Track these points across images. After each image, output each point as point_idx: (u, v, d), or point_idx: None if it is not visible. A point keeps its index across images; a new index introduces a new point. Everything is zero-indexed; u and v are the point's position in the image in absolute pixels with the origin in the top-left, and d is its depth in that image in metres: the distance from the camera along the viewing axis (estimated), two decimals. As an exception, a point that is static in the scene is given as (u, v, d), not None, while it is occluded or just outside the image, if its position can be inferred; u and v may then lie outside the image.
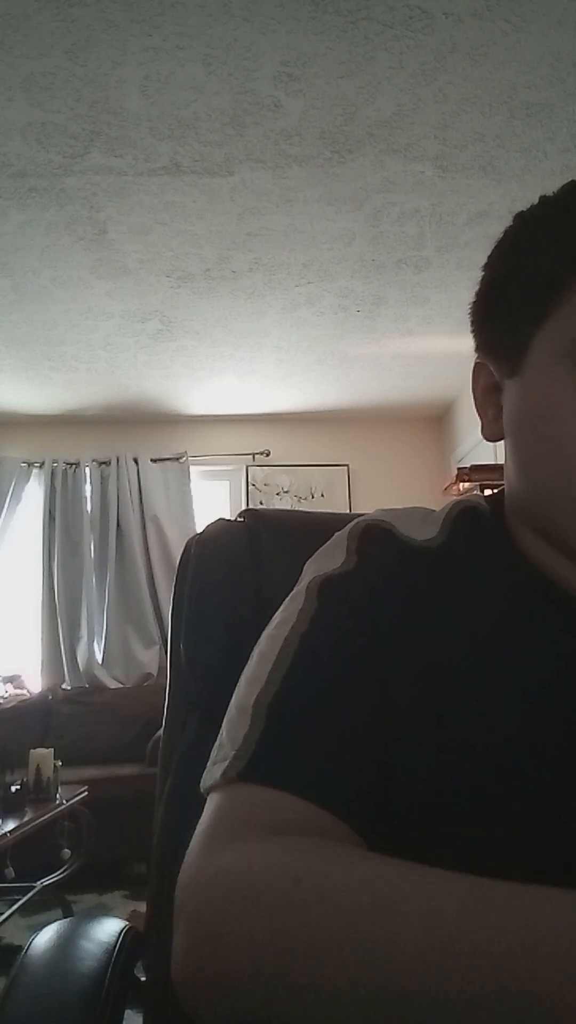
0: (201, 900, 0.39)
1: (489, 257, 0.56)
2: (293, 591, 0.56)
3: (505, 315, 0.54)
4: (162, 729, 0.76)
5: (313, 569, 0.56)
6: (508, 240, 0.54)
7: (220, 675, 0.64)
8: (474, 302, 0.57)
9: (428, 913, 0.34)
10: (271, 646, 0.51)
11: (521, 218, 0.54)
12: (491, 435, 0.58)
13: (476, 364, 0.59)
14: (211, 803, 0.46)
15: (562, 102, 1.99)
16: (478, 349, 0.58)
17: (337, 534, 0.59)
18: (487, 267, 0.56)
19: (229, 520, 0.79)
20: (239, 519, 0.79)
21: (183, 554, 0.77)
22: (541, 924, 0.32)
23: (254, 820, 0.43)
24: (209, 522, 0.80)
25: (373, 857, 0.39)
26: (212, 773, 0.47)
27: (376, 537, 0.57)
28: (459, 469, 4.05)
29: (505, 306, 0.54)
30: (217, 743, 0.49)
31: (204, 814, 0.45)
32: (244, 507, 3.69)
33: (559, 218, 0.51)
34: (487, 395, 0.58)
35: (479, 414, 0.59)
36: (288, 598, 0.55)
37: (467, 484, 3.95)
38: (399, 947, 0.33)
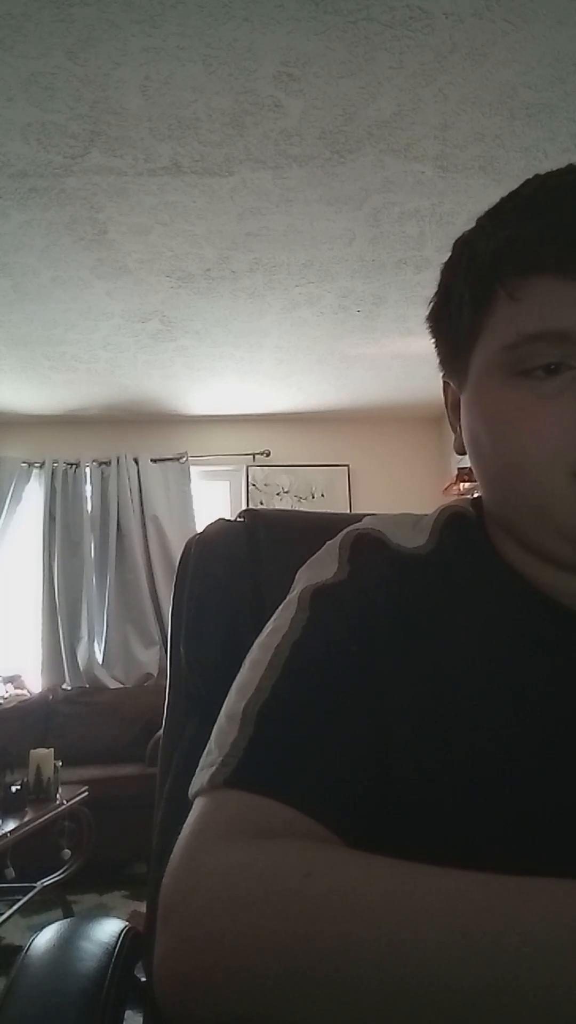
0: (196, 900, 0.38)
1: (438, 281, 0.58)
2: (285, 600, 0.56)
3: (448, 334, 0.56)
4: (162, 729, 0.76)
5: (305, 578, 0.57)
6: (446, 264, 0.56)
7: (220, 675, 0.64)
8: (428, 325, 0.59)
9: (447, 903, 0.34)
10: (263, 654, 0.51)
11: (456, 241, 0.56)
12: (459, 448, 0.59)
13: (443, 381, 0.61)
14: (197, 808, 0.45)
15: (562, 102, 1.99)
16: (440, 367, 0.60)
17: (328, 543, 0.59)
18: (436, 291, 0.58)
19: (229, 520, 0.79)
20: (239, 519, 0.79)
21: (183, 554, 0.77)
22: (561, 910, 0.32)
23: (241, 825, 0.43)
24: (209, 522, 0.80)
25: (373, 855, 0.39)
26: (199, 778, 0.47)
27: (368, 546, 0.57)
28: (459, 469, 4.06)
29: (447, 326, 0.56)
30: (206, 749, 0.49)
31: (189, 818, 0.45)
32: (244, 507, 3.70)
33: (478, 237, 0.52)
34: (454, 411, 0.60)
35: (451, 429, 0.61)
36: (280, 607, 0.56)
37: (467, 484, 3.96)
38: (423, 938, 0.33)
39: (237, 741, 0.46)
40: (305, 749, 0.46)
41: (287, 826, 0.42)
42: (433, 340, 0.59)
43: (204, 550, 0.76)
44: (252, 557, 0.74)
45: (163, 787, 0.71)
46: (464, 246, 0.54)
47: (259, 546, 0.75)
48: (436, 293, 0.57)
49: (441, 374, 0.60)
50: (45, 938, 0.64)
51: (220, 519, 0.79)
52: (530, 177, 0.52)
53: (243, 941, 0.36)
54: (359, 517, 0.62)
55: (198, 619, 0.73)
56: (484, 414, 0.52)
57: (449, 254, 0.56)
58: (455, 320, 0.54)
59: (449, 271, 0.55)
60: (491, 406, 0.51)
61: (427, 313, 0.58)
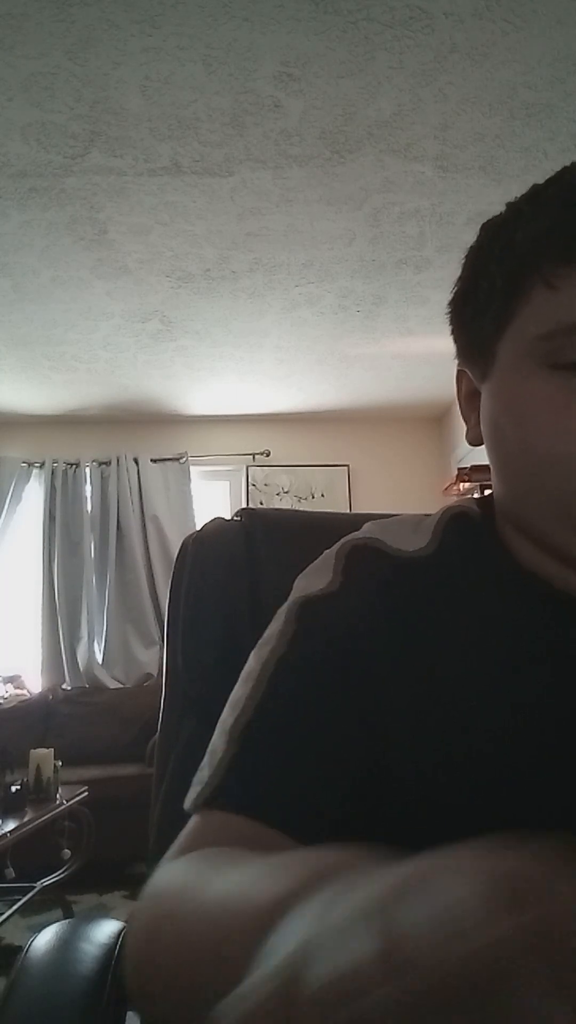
0: (135, 921, 0.40)
1: (462, 266, 0.56)
2: (282, 607, 0.56)
3: (472, 322, 0.55)
4: (158, 730, 0.75)
5: (301, 587, 0.56)
6: (474, 248, 0.55)
7: (218, 675, 0.64)
8: (449, 311, 0.58)
9: (231, 908, 0.31)
10: (253, 667, 0.52)
11: (485, 226, 0.55)
12: (473, 440, 0.58)
13: (458, 371, 0.60)
14: (187, 825, 0.47)
15: (562, 102, 1.98)
16: (457, 355, 0.59)
17: (326, 552, 0.59)
18: (459, 276, 0.57)
19: (226, 519, 0.78)
20: (235, 518, 0.78)
21: (179, 553, 0.76)
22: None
23: (215, 843, 0.44)
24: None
25: (263, 859, 0.37)
26: (190, 795, 0.48)
27: (364, 557, 0.56)
28: (459, 469, 4.06)
29: (472, 313, 0.55)
30: (201, 764, 0.50)
31: (179, 835, 0.46)
32: (244, 507, 3.68)
33: (514, 223, 0.51)
34: (468, 401, 0.58)
35: (464, 420, 0.59)
36: (276, 615, 0.56)
37: (467, 484, 3.95)
38: (219, 959, 0.30)
39: (222, 761, 0.47)
40: (284, 769, 0.46)
41: (247, 844, 0.43)
42: (451, 328, 0.58)
43: (201, 549, 0.75)
44: (249, 556, 0.73)
45: (159, 788, 0.70)
46: (498, 230, 0.52)
47: (256, 545, 0.74)
48: (460, 278, 0.56)
49: (456, 363, 0.59)
50: (44, 940, 0.64)
51: (217, 518, 0.78)
52: (568, 164, 0.51)
53: (139, 961, 0.37)
54: (358, 516, 0.61)
55: (195, 619, 0.72)
56: (511, 405, 0.51)
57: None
58: (482, 306, 0.53)
59: (478, 256, 0.54)
60: (519, 397, 0.50)
61: (450, 298, 0.57)
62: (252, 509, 0.79)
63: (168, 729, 0.73)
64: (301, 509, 4.49)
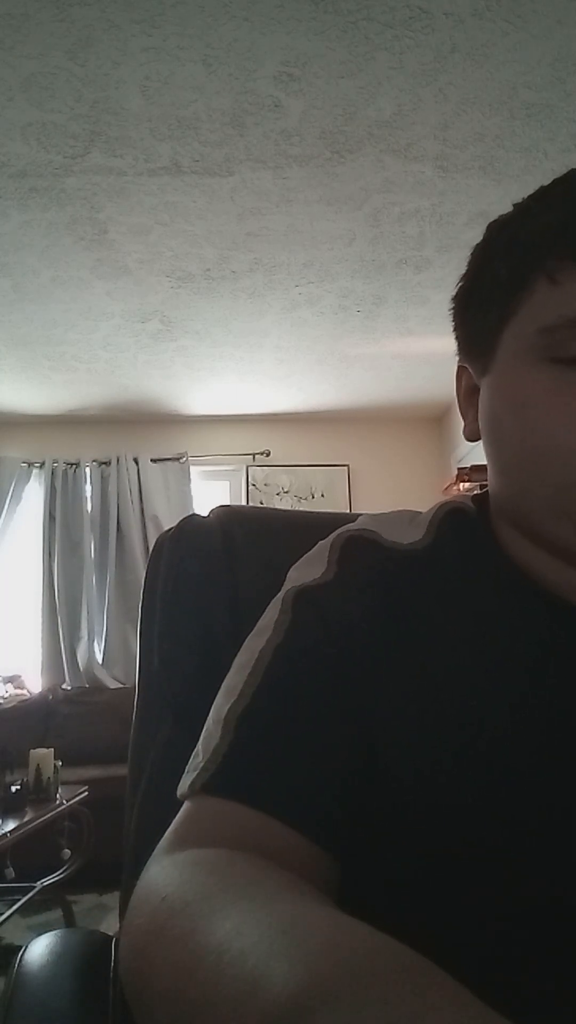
0: (131, 915, 0.40)
1: (467, 263, 0.57)
2: (276, 596, 0.56)
3: (476, 317, 0.55)
4: (131, 731, 0.73)
5: (295, 577, 0.56)
6: (479, 245, 0.55)
7: (198, 675, 0.63)
8: (452, 307, 0.58)
9: (244, 978, 0.29)
10: (248, 656, 0.52)
11: (491, 224, 0.55)
12: (471, 435, 0.58)
13: (458, 367, 0.60)
14: (180, 812, 0.47)
15: (562, 102, 1.98)
16: (458, 352, 0.59)
17: (321, 543, 0.59)
18: (464, 273, 0.57)
19: (202, 516, 0.76)
20: (210, 515, 0.76)
21: (154, 551, 0.74)
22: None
23: (212, 832, 0.43)
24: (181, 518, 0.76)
25: (264, 886, 0.37)
26: (184, 781, 0.48)
27: (359, 548, 0.56)
28: (459, 469, 4.06)
29: (476, 308, 0.55)
30: (195, 751, 0.49)
31: (172, 822, 0.46)
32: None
33: (520, 219, 0.52)
34: (468, 397, 0.59)
35: (462, 416, 0.60)
36: (270, 604, 0.55)
37: (467, 484, 3.95)
38: (206, 1007, 0.30)
39: (219, 747, 0.47)
40: (282, 757, 0.46)
41: (255, 833, 0.43)
42: (453, 324, 0.58)
43: (177, 547, 0.73)
44: (227, 555, 0.72)
45: (135, 791, 0.68)
46: (503, 227, 0.53)
47: (234, 544, 0.72)
48: (464, 275, 0.56)
49: (457, 359, 0.59)
50: (36, 953, 0.61)
51: (193, 515, 0.76)
52: None
53: (124, 957, 0.37)
54: (340, 515, 0.61)
55: (172, 617, 0.71)
56: (511, 398, 0.51)
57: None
58: (486, 301, 0.53)
59: (483, 252, 0.55)
60: (520, 390, 0.50)
61: (453, 294, 0.57)
62: (228, 506, 0.77)
63: (144, 731, 0.71)
64: (302, 509, 4.49)
